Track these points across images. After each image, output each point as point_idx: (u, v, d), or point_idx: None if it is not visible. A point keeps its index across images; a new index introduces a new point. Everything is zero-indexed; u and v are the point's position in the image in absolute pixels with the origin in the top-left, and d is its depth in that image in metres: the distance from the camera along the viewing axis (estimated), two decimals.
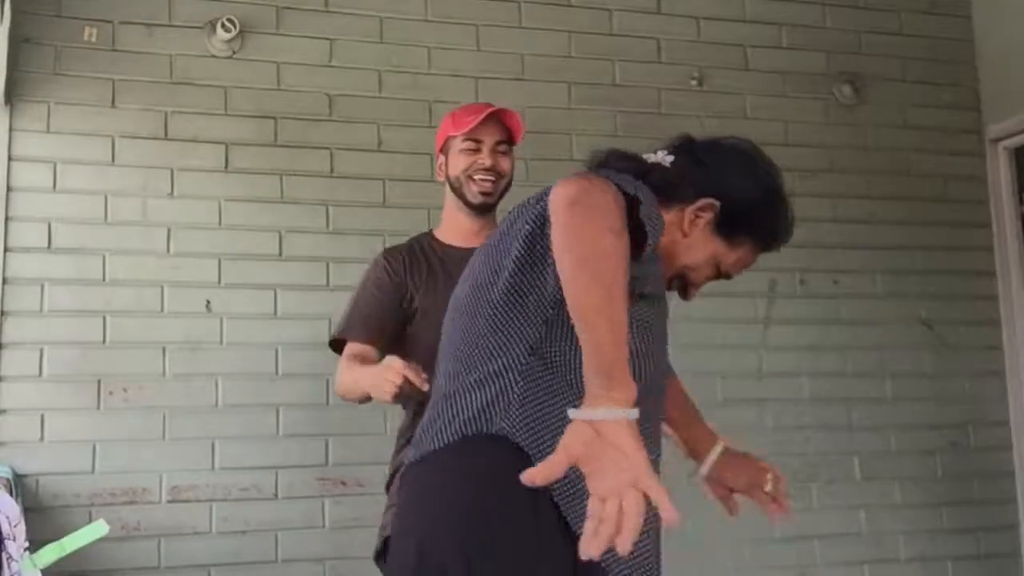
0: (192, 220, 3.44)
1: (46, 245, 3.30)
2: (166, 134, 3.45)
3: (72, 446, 3.21)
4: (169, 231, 3.40)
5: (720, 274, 1.80)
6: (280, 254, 3.49)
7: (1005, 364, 4.16)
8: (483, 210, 2.53)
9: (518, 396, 1.56)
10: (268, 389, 3.40)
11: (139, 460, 3.26)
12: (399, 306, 2.48)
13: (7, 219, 3.26)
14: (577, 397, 1.34)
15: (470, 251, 1.99)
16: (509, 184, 2.56)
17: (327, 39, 3.65)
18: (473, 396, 1.61)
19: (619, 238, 1.38)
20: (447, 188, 2.63)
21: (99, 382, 3.27)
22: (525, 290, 1.62)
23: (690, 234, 1.73)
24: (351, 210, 3.57)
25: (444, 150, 2.62)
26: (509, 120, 2.54)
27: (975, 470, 4.06)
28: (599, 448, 1.22)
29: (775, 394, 3.86)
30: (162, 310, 3.36)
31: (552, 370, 1.58)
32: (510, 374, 1.59)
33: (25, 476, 3.13)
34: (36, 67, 3.36)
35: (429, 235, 2.63)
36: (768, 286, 3.91)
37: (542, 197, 1.65)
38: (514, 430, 1.55)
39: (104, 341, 3.29)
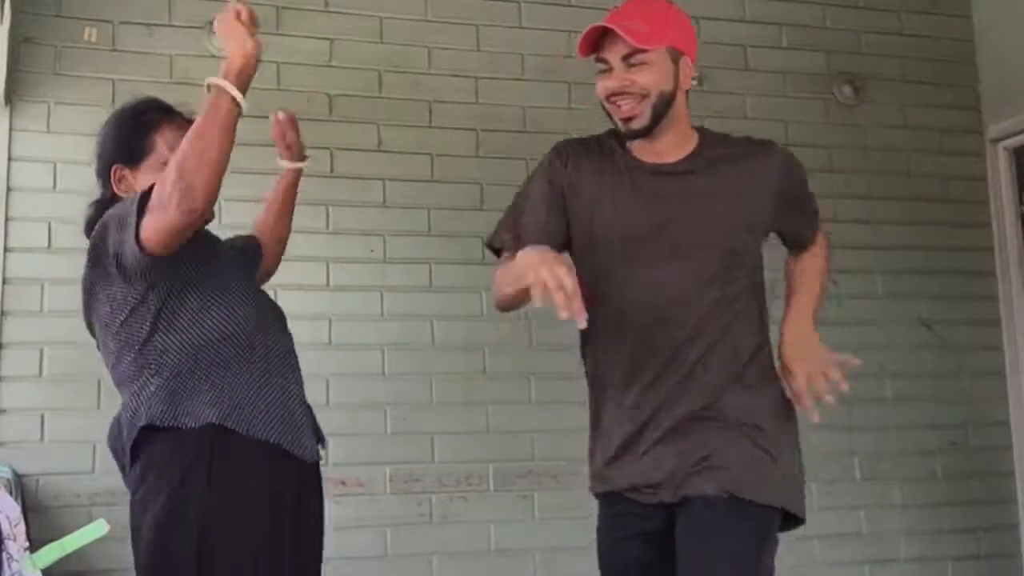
0: None
1: (46, 245, 3.30)
2: None
3: (72, 446, 3.21)
4: None
5: None
6: None
7: (1005, 364, 4.16)
8: (636, 136, 2.12)
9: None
10: None
11: None
12: (562, 211, 2.15)
13: (7, 219, 3.26)
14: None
15: (659, 167, 2.12)
16: (667, 98, 2.11)
17: (327, 39, 3.65)
18: None
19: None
20: None
21: (99, 382, 3.26)
22: None
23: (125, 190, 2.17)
24: (351, 210, 3.56)
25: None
26: (630, 25, 2.07)
27: (975, 470, 4.06)
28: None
29: None
30: None
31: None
32: None
33: (25, 476, 3.13)
34: (36, 67, 3.36)
35: (615, 133, 2.22)
36: (768, 286, 3.91)
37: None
38: None
39: None
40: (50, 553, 1.99)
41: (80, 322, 3.33)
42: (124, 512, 3.18)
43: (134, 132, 2.18)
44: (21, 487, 3.05)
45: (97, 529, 2.00)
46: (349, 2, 3.68)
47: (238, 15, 1.97)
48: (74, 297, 3.33)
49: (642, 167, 2.14)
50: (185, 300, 2.05)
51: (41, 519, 3.05)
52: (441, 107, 3.74)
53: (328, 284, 3.51)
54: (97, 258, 2.09)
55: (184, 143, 1.93)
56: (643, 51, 2.06)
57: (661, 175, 2.12)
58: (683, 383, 2.05)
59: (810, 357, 2.13)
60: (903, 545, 3.94)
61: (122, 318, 2.07)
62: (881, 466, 3.96)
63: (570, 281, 1.78)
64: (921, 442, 4.03)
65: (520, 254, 1.92)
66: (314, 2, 3.66)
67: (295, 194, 2.57)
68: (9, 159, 3.29)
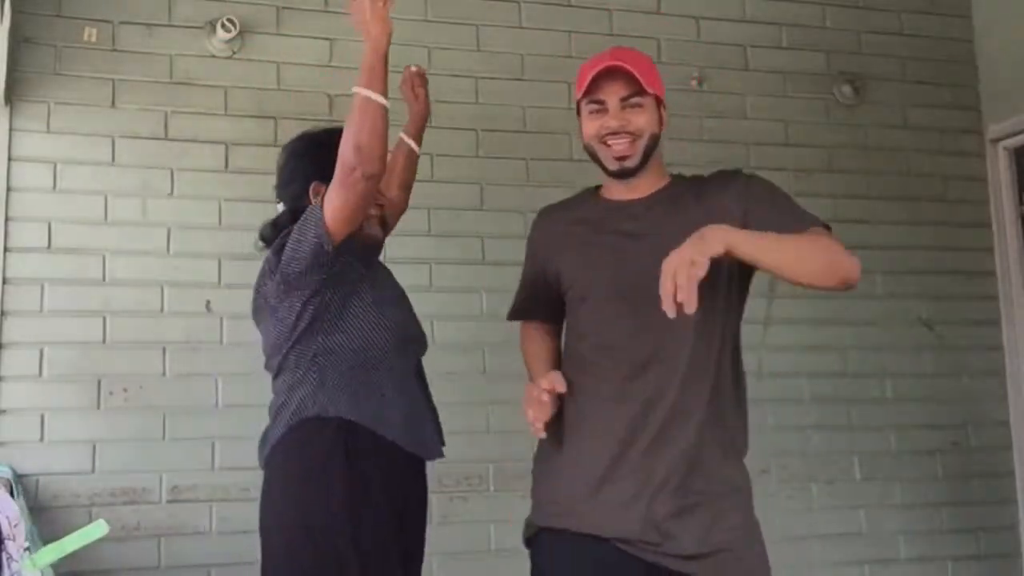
0: (192, 220, 3.44)
1: (46, 245, 3.30)
2: (166, 134, 3.45)
3: (72, 446, 3.21)
4: (169, 231, 3.41)
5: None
6: None
7: (1005, 364, 4.16)
8: (625, 175, 2.19)
9: None
10: (268, 389, 3.39)
11: (139, 460, 3.26)
12: (547, 281, 2.29)
13: (7, 219, 3.26)
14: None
15: (631, 203, 2.19)
16: (655, 140, 2.19)
17: (327, 39, 3.65)
18: None
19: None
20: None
21: (99, 382, 3.27)
22: None
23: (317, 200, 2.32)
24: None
25: (579, 115, 2.27)
26: (634, 68, 2.14)
27: (975, 470, 4.06)
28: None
29: (775, 394, 3.85)
30: (162, 310, 3.36)
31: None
32: None
33: (25, 476, 3.13)
34: (36, 67, 3.36)
35: (596, 188, 2.32)
36: (768, 286, 3.91)
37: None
38: None
39: (104, 341, 3.29)
40: (50, 553, 1.99)
41: (80, 322, 3.36)
42: (123, 512, 3.21)
43: (331, 153, 2.30)
44: (21, 487, 3.06)
45: (97, 529, 2.00)
46: (349, 2, 3.68)
47: None
48: (74, 297, 3.36)
49: (610, 207, 2.23)
50: (349, 306, 2.30)
51: (41, 519, 3.06)
52: (441, 107, 3.72)
53: None
54: (279, 257, 2.30)
55: (349, 125, 2.16)
56: (643, 93, 2.16)
57: (626, 210, 2.21)
58: (657, 441, 2.06)
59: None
60: (903, 545, 3.94)
61: (294, 314, 2.30)
62: (881, 466, 3.96)
63: (533, 412, 2.10)
64: (921, 442, 4.03)
65: (530, 385, 2.17)
66: (314, 2, 3.66)
67: (411, 169, 2.82)
68: (9, 159, 3.29)
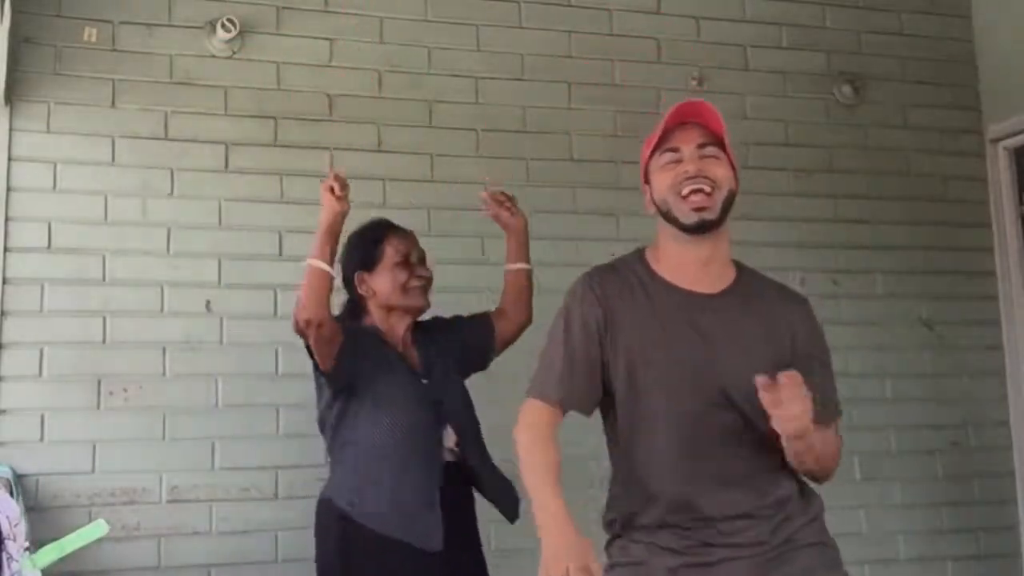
0: (192, 220, 3.44)
1: (46, 245, 3.30)
2: (166, 134, 3.45)
3: (72, 446, 3.21)
4: (169, 231, 3.40)
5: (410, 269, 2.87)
6: (280, 254, 3.49)
7: (1005, 364, 4.16)
8: (701, 230, 1.99)
9: None
10: (268, 389, 3.40)
11: (139, 460, 3.26)
12: (602, 352, 2.03)
13: (7, 219, 3.26)
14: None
15: (693, 295, 2.02)
16: (732, 198, 2.02)
17: (327, 39, 3.65)
18: None
19: None
20: (659, 220, 2.08)
21: (99, 382, 3.27)
22: None
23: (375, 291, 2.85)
24: (351, 210, 3.55)
25: (648, 178, 2.09)
26: (707, 117, 2.02)
27: (975, 470, 4.06)
28: None
29: None
30: (162, 310, 3.36)
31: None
32: None
33: (25, 476, 3.13)
34: (36, 67, 3.36)
35: (642, 259, 2.11)
36: None
37: None
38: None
39: (104, 341, 3.29)
40: (50, 553, 2.00)
41: (80, 322, 3.36)
42: (123, 512, 3.21)
43: (367, 245, 2.82)
44: (21, 487, 3.05)
45: (97, 529, 2.01)
46: (349, 2, 3.68)
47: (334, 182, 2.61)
48: (74, 297, 3.35)
49: (681, 295, 2.04)
50: (362, 411, 2.70)
51: (41, 519, 3.06)
52: (441, 107, 3.74)
53: None
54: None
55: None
56: (721, 146, 2.02)
57: (698, 306, 2.04)
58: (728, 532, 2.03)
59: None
60: (903, 545, 3.94)
61: (325, 407, 2.78)
62: (881, 466, 3.96)
63: None
64: (921, 442, 4.03)
65: (551, 537, 1.99)
66: (314, 2, 3.66)
67: (526, 288, 3.01)
68: (9, 159, 3.29)
